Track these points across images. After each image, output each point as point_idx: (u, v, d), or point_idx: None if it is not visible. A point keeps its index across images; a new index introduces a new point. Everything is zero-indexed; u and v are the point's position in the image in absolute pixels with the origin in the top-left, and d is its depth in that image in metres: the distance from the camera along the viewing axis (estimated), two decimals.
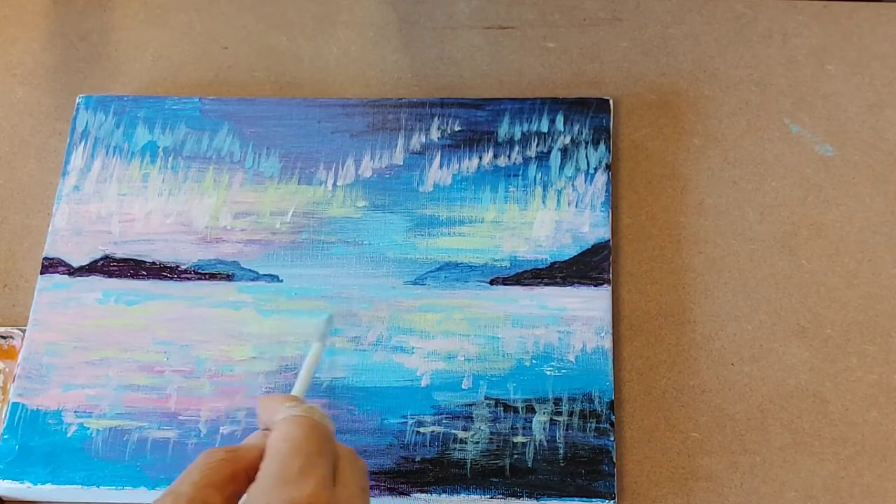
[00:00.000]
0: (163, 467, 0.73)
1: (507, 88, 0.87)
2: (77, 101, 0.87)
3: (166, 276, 0.80)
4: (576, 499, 0.72)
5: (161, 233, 0.82)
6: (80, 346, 0.78)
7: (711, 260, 0.80)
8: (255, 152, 0.84)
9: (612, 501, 0.72)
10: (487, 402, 0.75)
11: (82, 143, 0.85)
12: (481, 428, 0.74)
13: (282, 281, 0.79)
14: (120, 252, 0.81)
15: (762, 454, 0.74)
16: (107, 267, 0.80)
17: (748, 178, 0.83)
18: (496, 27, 0.91)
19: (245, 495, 0.60)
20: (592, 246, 0.80)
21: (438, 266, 0.80)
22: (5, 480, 0.74)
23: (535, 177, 0.82)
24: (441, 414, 0.75)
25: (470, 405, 0.75)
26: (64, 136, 0.87)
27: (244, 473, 0.61)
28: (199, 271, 0.80)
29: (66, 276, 0.80)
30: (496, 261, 0.79)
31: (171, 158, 0.84)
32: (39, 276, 0.80)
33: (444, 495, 0.72)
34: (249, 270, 0.80)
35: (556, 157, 0.83)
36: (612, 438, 0.74)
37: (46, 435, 0.75)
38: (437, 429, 0.74)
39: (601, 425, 0.74)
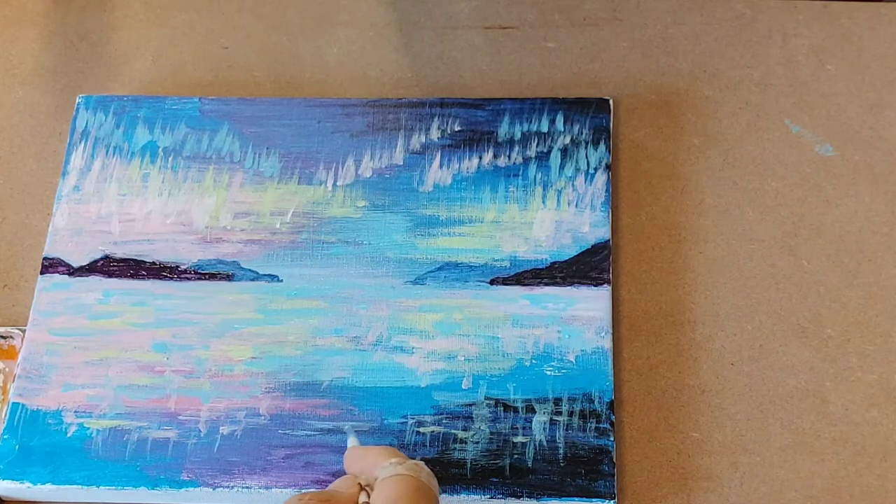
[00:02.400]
0: (163, 467, 0.73)
1: (507, 88, 0.87)
2: (77, 101, 0.87)
3: (166, 276, 0.80)
4: (576, 499, 0.72)
5: (161, 233, 0.82)
6: (80, 346, 0.78)
7: (711, 260, 0.80)
8: (255, 152, 0.84)
9: (612, 501, 0.72)
10: (487, 402, 0.75)
11: (82, 143, 0.85)
12: (481, 428, 0.74)
13: (282, 281, 0.79)
14: (120, 252, 0.81)
15: (762, 454, 0.74)
16: (107, 267, 0.80)
17: (748, 178, 0.83)
18: (496, 27, 0.91)
19: None
20: (592, 246, 0.80)
21: (438, 266, 0.79)
22: (5, 480, 0.74)
23: (535, 177, 0.82)
24: (441, 414, 0.75)
25: (470, 405, 0.75)
26: (64, 136, 0.87)
27: None
28: (199, 271, 0.80)
29: (66, 276, 0.80)
30: (496, 261, 0.79)
31: (171, 158, 0.84)
32: (39, 276, 0.80)
33: (444, 495, 0.72)
34: (249, 270, 0.80)
35: (556, 157, 0.83)
36: (612, 438, 0.74)
37: (46, 435, 0.75)
38: (437, 429, 0.74)
39: (601, 425, 0.74)
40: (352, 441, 0.70)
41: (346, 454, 0.67)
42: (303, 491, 0.68)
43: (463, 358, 0.76)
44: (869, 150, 0.84)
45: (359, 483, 0.64)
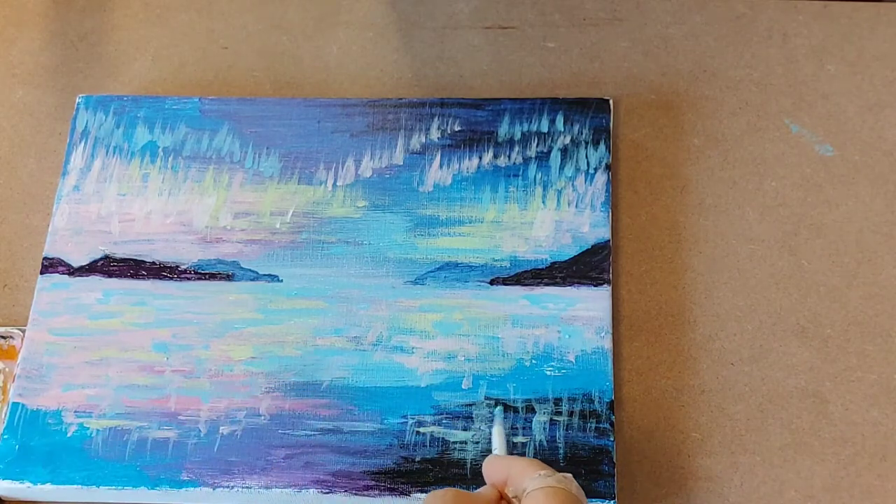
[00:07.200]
0: (163, 467, 0.73)
1: (507, 88, 0.87)
2: (77, 101, 0.87)
3: (166, 276, 0.80)
4: None
5: (161, 233, 0.82)
6: (80, 346, 0.78)
7: (711, 260, 0.80)
8: (255, 152, 0.84)
9: (612, 501, 0.72)
10: (487, 402, 0.75)
11: (82, 143, 0.85)
12: (481, 428, 0.74)
13: (282, 281, 0.79)
14: (120, 252, 0.81)
15: (762, 454, 0.74)
16: (107, 267, 0.80)
17: (748, 178, 0.83)
18: (496, 27, 0.91)
19: None
20: (592, 246, 0.80)
21: (438, 266, 0.80)
22: (5, 480, 0.74)
23: (535, 177, 0.82)
24: (441, 414, 0.75)
25: (470, 405, 0.75)
26: (64, 136, 0.87)
27: None
28: (199, 271, 0.80)
29: (66, 276, 0.80)
30: (496, 261, 0.79)
31: (171, 158, 0.84)
32: (39, 276, 0.80)
33: None
34: (249, 270, 0.80)
35: (556, 157, 0.83)
36: (612, 438, 0.74)
37: (46, 435, 0.75)
38: (437, 429, 0.74)
39: (601, 425, 0.74)
40: (497, 426, 0.70)
41: (487, 462, 0.66)
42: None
43: (463, 358, 0.76)
44: (869, 150, 0.84)
45: (499, 491, 0.63)
